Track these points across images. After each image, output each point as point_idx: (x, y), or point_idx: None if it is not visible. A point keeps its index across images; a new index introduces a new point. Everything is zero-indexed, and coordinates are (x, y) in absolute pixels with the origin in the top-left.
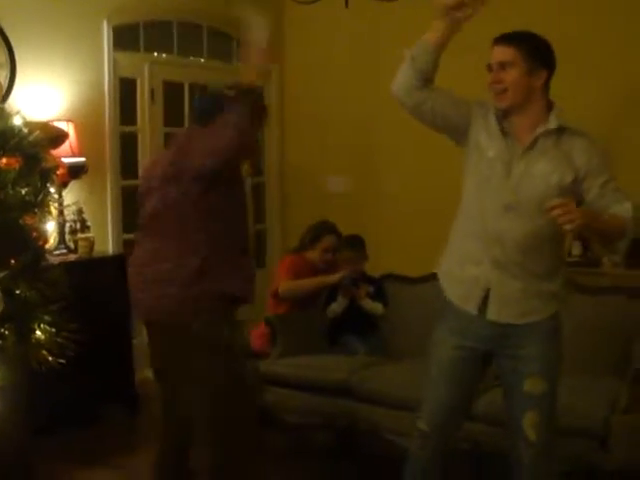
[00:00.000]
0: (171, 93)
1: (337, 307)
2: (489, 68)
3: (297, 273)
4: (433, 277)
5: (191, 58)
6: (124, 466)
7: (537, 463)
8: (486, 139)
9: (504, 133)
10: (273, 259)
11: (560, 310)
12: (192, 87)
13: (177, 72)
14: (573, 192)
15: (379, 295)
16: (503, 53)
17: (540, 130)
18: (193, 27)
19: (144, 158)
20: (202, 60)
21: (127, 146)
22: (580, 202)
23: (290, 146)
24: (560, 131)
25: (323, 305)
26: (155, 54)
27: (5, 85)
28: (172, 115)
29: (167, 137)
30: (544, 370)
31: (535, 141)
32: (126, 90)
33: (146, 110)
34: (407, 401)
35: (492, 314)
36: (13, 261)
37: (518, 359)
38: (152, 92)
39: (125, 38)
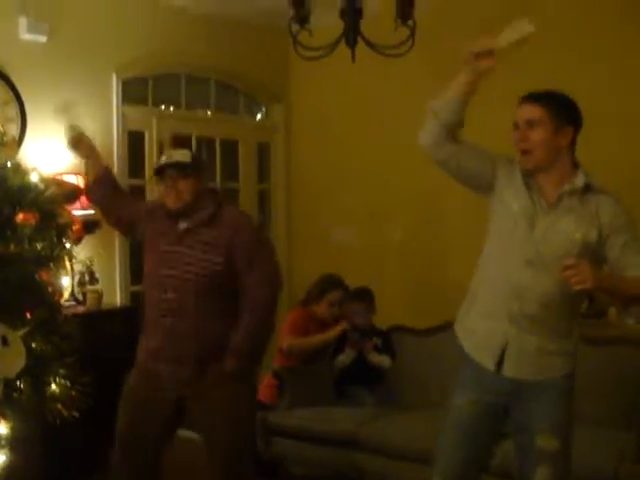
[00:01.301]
0: (179, 146)
1: (345, 359)
2: (516, 126)
3: (303, 328)
4: (440, 329)
5: (198, 111)
6: None
7: None
8: (511, 194)
9: (529, 189)
10: (280, 312)
11: (575, 370)
12: (200, 139)
13: (185, 125)
14: (596, 251)
15: (386, 348)
16: (531, 112)
17: (567, 188)
18: (200, 80)
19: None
20: (209, 113)
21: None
22: (602, 261)
23: (296, 200)
24: (585, 190)
25: (331, 356)
26: (163, 107)
27: (16, 139)
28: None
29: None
30: (555, 427)
31: (561, 198)
32: (135, 143)
33: (154, 163)
34: (415, 453)
35: (509, 370)
36: (29, 316)
37: (531, 414)
38: (160, 145)
39: (133, 91)
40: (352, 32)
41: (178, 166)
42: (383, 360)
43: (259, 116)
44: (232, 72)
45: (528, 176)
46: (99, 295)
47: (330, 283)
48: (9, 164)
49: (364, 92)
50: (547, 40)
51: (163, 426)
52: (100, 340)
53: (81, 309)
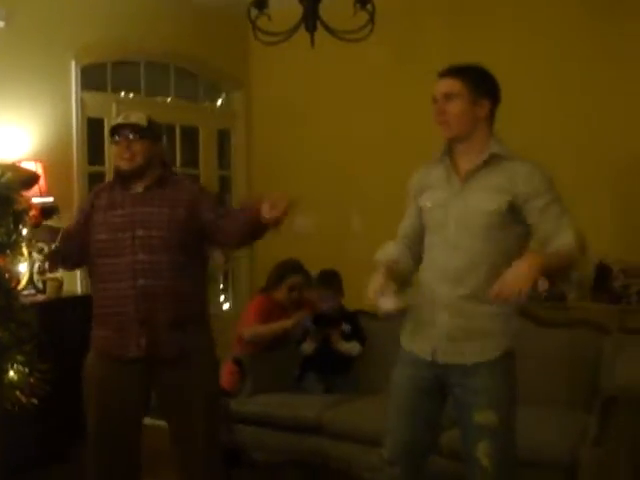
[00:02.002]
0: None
1: (307, 348)
2: (434, 100)
3: (265, 315)
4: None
5: (158, 98)
6: None
7: None
8: (425, 196)
9: (446, 169)
10: (241, 298)
11: (512, 346)
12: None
13: (144, 111)
14: (514, 219)
15: (356, 333)
16: (448, 85)
17: (476, 162)
18: (160, 67)
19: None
20: (169, 100)
21: (95, 186)
22: (524, 228)
23: (257, 186)
24: (499, 159)
25: (297, 343)
26: (122, 94)
27: None
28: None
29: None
30: (493, 402)
31: (472, 173)
32: (94, 130)
33: (114, 150)
34: (379, 437)
35: (442, 357)
36: None
37: (468, 391)
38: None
39: (93, 78)
40: (311, 17)
41: (134, 128)
42: (352, 347)
43: (219, 102)
44: (192, 58)
45: (445, 155)
46: (59, 283)
47: (288, 268)
48: None
49: (324, 77)
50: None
51: (135, 410)
52: (60, 328)
53: (41, 297)
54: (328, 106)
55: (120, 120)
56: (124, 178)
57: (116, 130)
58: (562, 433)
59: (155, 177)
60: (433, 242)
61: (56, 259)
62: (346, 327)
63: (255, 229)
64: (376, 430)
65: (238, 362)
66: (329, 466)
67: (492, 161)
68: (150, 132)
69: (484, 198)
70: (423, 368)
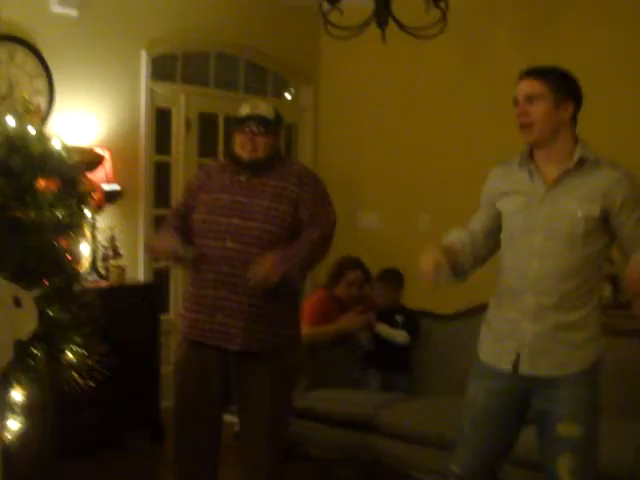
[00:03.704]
0: (206, 124)
1: (362, 337)
2: (515, 102)
3: (323, 312)
4: (465, 314)
5: (227, 91)
6: None
7: None
8: (507, 199)
9: (530, 173)
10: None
11: (600, 357)
12: (228, 120)
13: (213, 104)
14: (602, 226)
15: (409, 325)
16: (531, 86)
17: (565, 167)
18: (230, 60)
19: (177, 188)
20: (238, 93)
21: (161, 175)
22: (610, 236)
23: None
24: (589, 164)
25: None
26: (191, 85)
27: (44, 111)
28: (207, 146)
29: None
30: (578, 414)
31: (560, 178)
32: (162, 120)
33: (181, 140)
34: (432, 438)
35: (525, 369)
36: (47, 282)
37: (551, 401)
38: (187, 123)
39: (162, 69)
40: (383, 12)
41: (261, 120)
42: (397, 334)
43: (288, 96)
44: (262, 52)
45: (528, 160)
46: (122, 270)
47: (347, 263)
48: (32, 131)
49: (394, 74)
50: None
51: (217, 401)
52: (121, 315)
53: (104, 283)
54: (396, 104)
55: (248, 110)
56: (240, 167)
57: (244, 120)
58: (622, 443)
59: (270, 166)
60: (515, 248)
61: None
62: (399, 317)
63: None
64: (431, 431)
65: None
66: (382, 464)
67: (580, 166)
68: (276, 126)
69: (575, 205)
70: (502, 380)
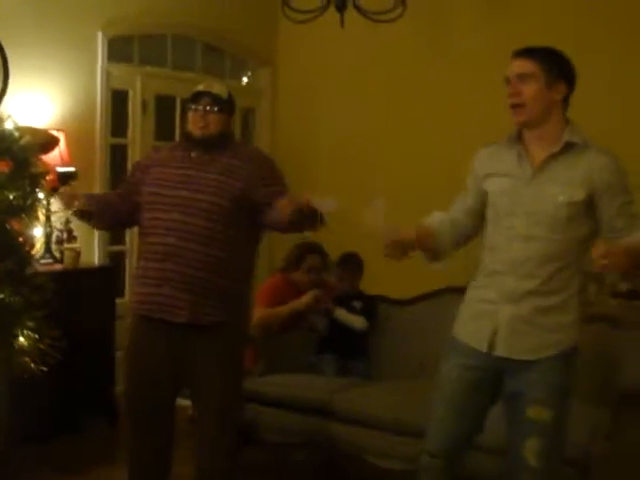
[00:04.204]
0: (163, 106)
1: (319, 323)
2: (507, 81)
3: (279, 296)
4: (422, 298)
5: (184, 72)
6: (101, 477)
7: None
8: (492, 180)
9: (519, 156)
10: (259, 277)
11: (577, 342)
12: (183, 101)
13: (170, 86)
14: (585, 211)
15: (367, 311)
16: (522, 66)
17: (552, 150)
18: (187, 42)
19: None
20: (195, 75)
21: (117, 158)
22: (593, 220)
23: (280, 165)
24: (576, 148)
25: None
26: (148, 67)
27: None
28: (163, 128)
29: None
30: (549, 398)
31: (547, 162)
32: (118, 102)
33: (137, 123)
34: (389, 422)
35: (501, 350)
36: None
37: (523, 383)
38: (144, 105)
39: (119, 50)
40: None
41: (214, 98)
42: (355, 320)
43: (245, 79)
44: (220, 34)
45: (516, 141)
46: (77, 254)
47: (307, 249)
48: None
49: (353, 58)
50: None
51: (168, 384)
52: (76, 299)
53: (58, 267)
54: (354, 88)
55: (201, 87)
56: (192, 143)
57: (196, 97)
58: (575, 427)
59: (220, 144)
60: (499, 230)
61: (93, 222)
62: (357, 303)
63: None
64: (387, 416)
65: (252, 341)
66: (339, 449)
67: (568, 150)
68: (228, 105)
69: (559, 189)
70: (476, 359)
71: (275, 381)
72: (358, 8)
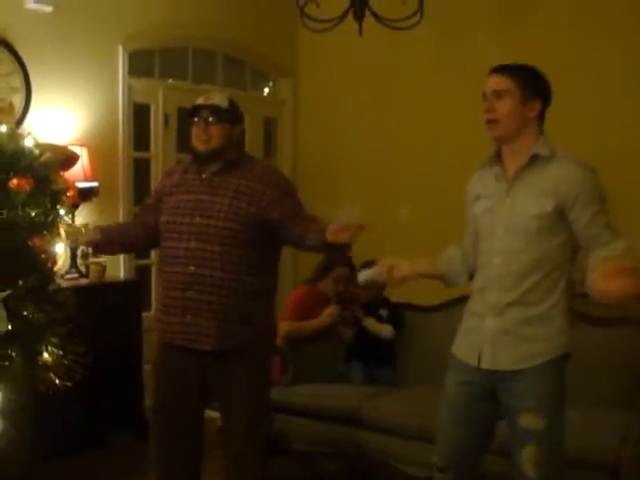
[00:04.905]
0: (185, 119)
1: (346, 333)
2: (484, 97)
3: (306, 306)
4: (447, 305)
5: (205, 85)
6: None
7: None
8: (478, 203)
9: (496, 175)
10: (285, 288)
11: (564, 350)
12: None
13: (191, 98)
14: (556, 222)
15: (393, 318)
16: (498, 82)
17: (521, 163)
18: (208, 54)
19: (156, 184)
20: (216, 87)
21: (140, 172)
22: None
23: (303, 175)
24: (544, 160)
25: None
26: (170, 80)
27: (20, 109)
28: (186, 141)
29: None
30: (539, 406)
31: (518, 174)
32: (140, 116)
33: (160, 136)
34: (416, 430)
35: (486, 363)
36: (21, 282)
37: (514, 395)
38: (166, 118)
39: (140, 64)
40: (359, 5)
41: (213, 109)
42: (382, 329)
43: (266, 90)
44: (240, 46)
45: (495, 160)
46: (102, 268)
47: (335, 259)
48: (4, 129)
49: (372, 66)
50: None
51: (195, 398)
52: (102, 313)
53: (84, 282)
54: (374, 95)
55: (200, 101)
56: (199, 160)
57: (196, 111)
58: (605, 433)
59: (227, 161)
60: (483, 249)
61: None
62: (384, 312)
63: (314, 244)
64: (413, 423)
65: (280, 352)
66: (367, 457)
67: (537, 162)
68: (229, 115)
69: (530, 201)
70: (471, 374)
71: (303, 391)
72: (376, 16)
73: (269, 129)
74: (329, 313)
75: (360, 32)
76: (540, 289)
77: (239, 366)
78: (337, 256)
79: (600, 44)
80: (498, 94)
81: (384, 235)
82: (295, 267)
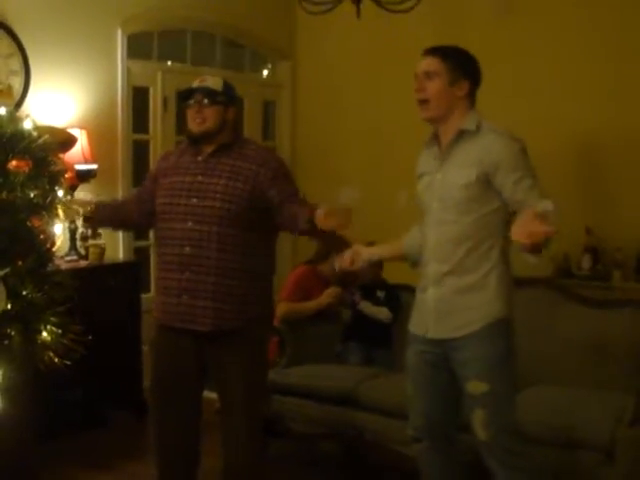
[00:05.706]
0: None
1: (344, 314)
2: (415, 77)
3: (305, 287)
4: None
5: (204, 67)
6: (129, 471)
7: (493, 464)
8: (420, 181)
9: (434, 153)
10: (283, 270)
11: (503, 315)
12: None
13: (190, 81)
14: (484, 191)
15: (390, 300)
16: (429, 64)
17: (450, 138)
18: (206, 37)
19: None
20: (215, 69)
21: (139, 154)
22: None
23: (301, 157)
24: (470, 133)
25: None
26: (168, 63)
27: (20, 91)
28: (184, 124)
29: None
30: (481, 371)
31: (448, 148)
32: (139, 98)
33: (158, 119)
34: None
35: (431, 333)
36: (20, 262)
37: (459, 363)
38: (165, 101)
39: (139, 47)
40: None
41: (207, 92)
42: (378, 311)
43: (265, 73)
44: (238, 28)
45: (433, 139)
46: (101, 250)
47: (329, 244)
48: (3, 112)
49: (370, 48)
50: None
51: (193, 378)
52: (102, 294)
53: (83, 263)
54: (373, 78)
55: (195, 84)
56: (194, 141)
57: (190, 93)
58: (600, 414)
59: (222, 142)
60: (425, 222)
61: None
62: (381, 293)
63: (305, 228)
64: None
65: (278, 332)
66: (364, 438)
67: (465, 137)
68: (224, 97)
69: (458, 173)
70: (423, 344)
71: (300, 372)
72: None
73: (268, 112)
74: (329, 294)
75: (358, 15)
76: (473, 257)
77: (236, 347)
78: (329, 241)
79: (596, 33)
80: (428, 75)
81: (384, 218)
82: (294, 249)
